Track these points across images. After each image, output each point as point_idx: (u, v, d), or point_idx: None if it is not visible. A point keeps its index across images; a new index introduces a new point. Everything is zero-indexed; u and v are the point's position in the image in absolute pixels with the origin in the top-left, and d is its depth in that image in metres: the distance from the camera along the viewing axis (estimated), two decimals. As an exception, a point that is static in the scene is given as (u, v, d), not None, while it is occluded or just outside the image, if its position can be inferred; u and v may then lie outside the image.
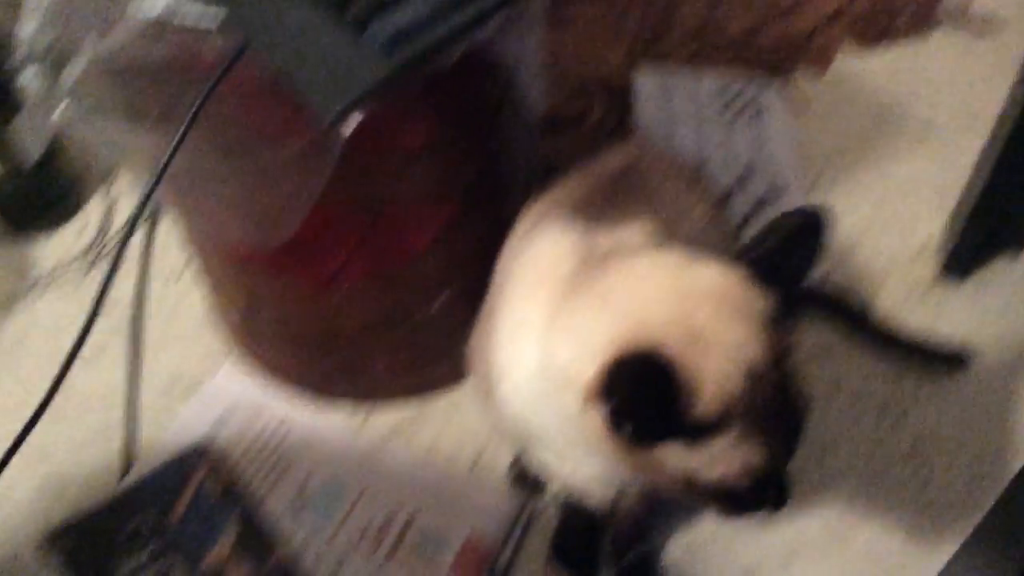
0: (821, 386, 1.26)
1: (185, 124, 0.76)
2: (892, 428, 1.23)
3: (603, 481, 0.88)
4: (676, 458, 0.70)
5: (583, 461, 0.85)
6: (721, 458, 0.70)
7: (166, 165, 0.75)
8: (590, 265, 0.78)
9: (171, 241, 1.25)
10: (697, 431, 0.69)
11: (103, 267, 1.40)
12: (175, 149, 0.76)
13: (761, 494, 0.73)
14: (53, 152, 1.40)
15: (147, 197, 0.78)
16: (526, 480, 1.19)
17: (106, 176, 1.52)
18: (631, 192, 0.89)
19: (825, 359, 1.28)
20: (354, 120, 0.82)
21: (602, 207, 0.86)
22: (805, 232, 0.74)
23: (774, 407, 0.71)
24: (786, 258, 0.74)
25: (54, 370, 1.29)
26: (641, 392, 0.68)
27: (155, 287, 1.39)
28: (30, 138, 1.35)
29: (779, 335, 0.72)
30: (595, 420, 0.71)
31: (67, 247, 1.45)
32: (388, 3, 0.73)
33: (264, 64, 0.74)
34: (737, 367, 0.69)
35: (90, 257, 1.43)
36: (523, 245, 0.87)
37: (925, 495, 1.17)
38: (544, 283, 0.80)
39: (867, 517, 1.16)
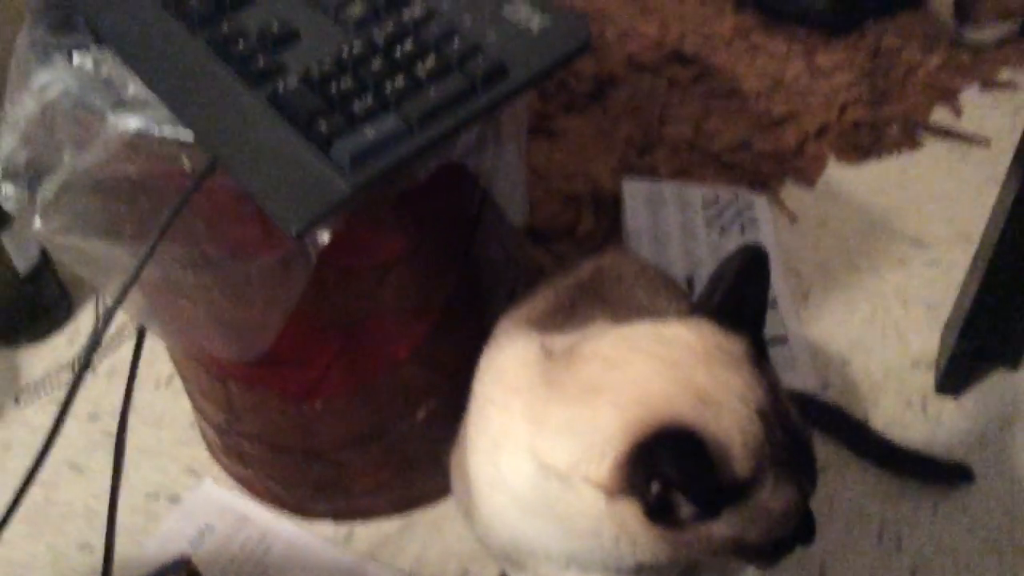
0: (817, 504, 1.22)
1: (154, 239, 0.77)
2: (891, 550, 1.19)
3: None
4: (724, 526, 0.68)
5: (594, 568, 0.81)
6: (764, 509, 0.68)
7: (134, 278, 0.76)
8: (556, 364, 0.76)
9: (162, 346, 1.25)
10: (740, 491, 0.68)
11: (93, 377, 1.41)
12: (143, 263, 0.76)
13: (797, 531, 0.74)
14: (44, 262, 1.41)
15: (112, 311, 0.78)
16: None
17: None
18: (594, 299, 0.89)
19: (821, 476, 1.25)
20: (326, 234, 0.83)
21: (564, 315, 0.86)
22: (751, 266, 0.74)
23: (789, 442, 0.70)
24: (743, 296, 0.74)
25: (38, 478, 1.28)
26: (687, 468, 0.66)
27: (144, 394, 1.39)
28: (17, 250, 1.36)
29: (766, 369, 0.72)
30: (627, 514, 0.68)
31: (57, 356, 1.45)
32: (353, 122, 0.74)
33: (232, 181, 0.75)
34: (750, 415, 0.68)
35: (79, 367, 1.42)
36: (487, 361, 0.86)
37: (926, 620, 1.13)
38: (516, 393, 0.78)
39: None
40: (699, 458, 0.66)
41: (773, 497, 0.70)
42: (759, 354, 0.74)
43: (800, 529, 0.74)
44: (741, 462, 0.68)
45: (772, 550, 0.74)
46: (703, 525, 0.69)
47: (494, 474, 0.81)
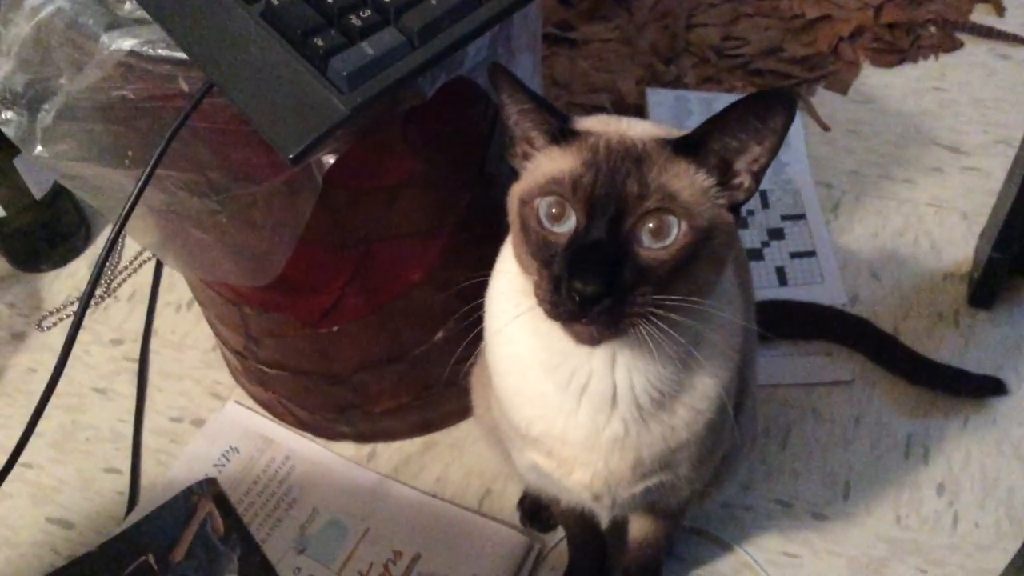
0: (843, 420, 1.21)
1: (152, 160, 0.75)
2: (918, 464, 1.17)
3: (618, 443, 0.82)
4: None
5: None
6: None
7: (134, 199, 0.74)
8: None
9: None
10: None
11: (115, 302, 1.41)
12: (144, 183, 0.75)
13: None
14: (60, 187, 1.40)
15: (116, 235, 0.76)
16: (535, 517, 1.16)
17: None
18: None
19: (847, 392, 1.24)
20: (331, 156, 0.80)
21: None
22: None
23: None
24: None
25: (64, 403, 1.30)
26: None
27: (165, 317, 1.39)
28: (32, 176, 1.35)
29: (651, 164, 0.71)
30: None
31: (78, 281, 1.45)
32: (351, 37, 0.70)
33: (228, 102, 0.73)
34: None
35: (100, 292, 1.42)
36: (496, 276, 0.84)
37: (955, 535, 1.12)
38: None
39: (895, 558, 1.11)
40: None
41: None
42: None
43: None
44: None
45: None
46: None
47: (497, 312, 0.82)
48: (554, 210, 0.68)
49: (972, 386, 1.23)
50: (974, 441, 1.19)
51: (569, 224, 0.68)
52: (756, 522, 1.14)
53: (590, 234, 0.66)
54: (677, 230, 0.66)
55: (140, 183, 0.74)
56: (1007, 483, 1.15)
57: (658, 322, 0.67)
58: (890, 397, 1.23)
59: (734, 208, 0.71)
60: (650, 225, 0.66)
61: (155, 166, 0.73)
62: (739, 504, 1.15)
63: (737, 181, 0.70)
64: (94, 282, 0.78)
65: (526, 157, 0.74)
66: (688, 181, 0.68)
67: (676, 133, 0.71)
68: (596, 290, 0.64)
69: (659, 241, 0.66)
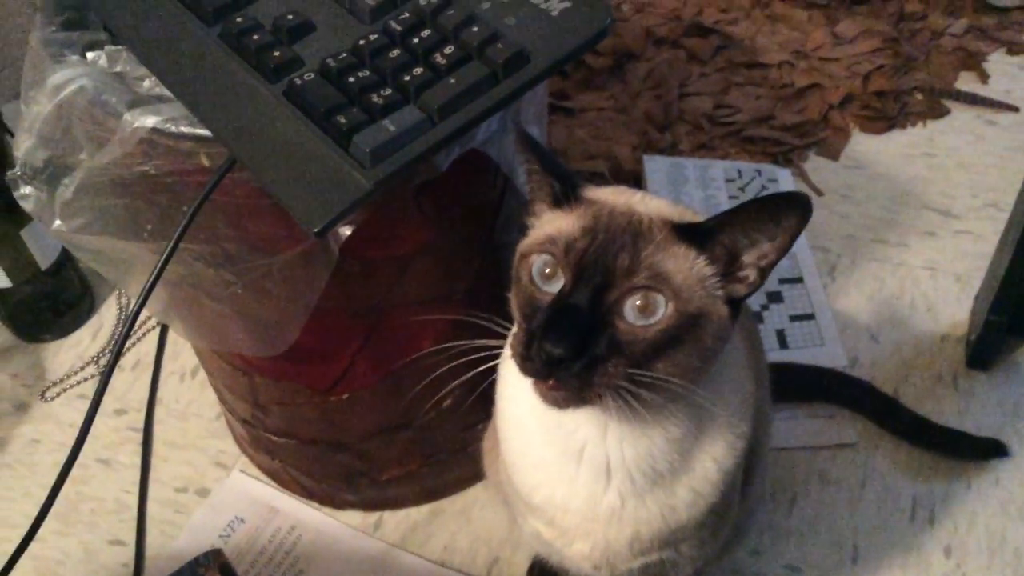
0: (848, 482, 1.22)
1: (176, 235, 0.76)
2: (924, 526, 1.18)
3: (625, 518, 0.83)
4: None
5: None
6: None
7: (155, 278, 0.75)
8: None
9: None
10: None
11: (118, 372, 1.41)
12: (165, 262, 0.76)
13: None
14: (66, 258, 1.41)
15: (134, 315, 0.77)
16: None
17: (120, 280, 1.53)
18: None
19: (851, 454, 1.24)
20: (348, 227, 0.82)
21: None
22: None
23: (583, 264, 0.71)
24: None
25: (70, 476, 1.29)
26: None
27: (169, 386, 1.39)
28: (39, 247, 1.36)
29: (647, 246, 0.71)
30: None
31: (81, 351, 1.45)
32: (373, 115, 0.72)
33: (251, 178, 0.74)
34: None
35: (103, 361, 1.43)
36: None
37: (961, 598, 1.12)
38: None
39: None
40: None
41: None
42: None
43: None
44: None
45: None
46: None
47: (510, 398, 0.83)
48: (546, 269, 0.70)
49: (974, 448, 1.23)
50: (979, 503, 1.19)
51: (557, 285, 0.69)
52: (766, 587, 1.14)
53: (573, 298, 0.67)
54: (662, 310, 0.67)
55: (164, 257, 0.76)
56: (1013, 544, 1.15)
57: (628, 397, 0.67)
58: (894, 459, 1.24)
59: (733, 301, 0.71)
60: (637, 301, 0.67)
61: (179, 240, 0.75)
62: (748, 570, 1.15)
63: (743, 274, 0.71)
64: (116, 355, 0.78)
65: (535, 215, 0.76)
66: (686, 265, 0.69)
67: (688, 216, 0.72)
68: (563, 353, 0.65)
69: (642, 318, 0.67)
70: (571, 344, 0.65)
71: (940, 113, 1.67)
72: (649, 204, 0.73)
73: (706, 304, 0.69)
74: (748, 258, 0.70)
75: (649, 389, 0.67)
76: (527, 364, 0.67)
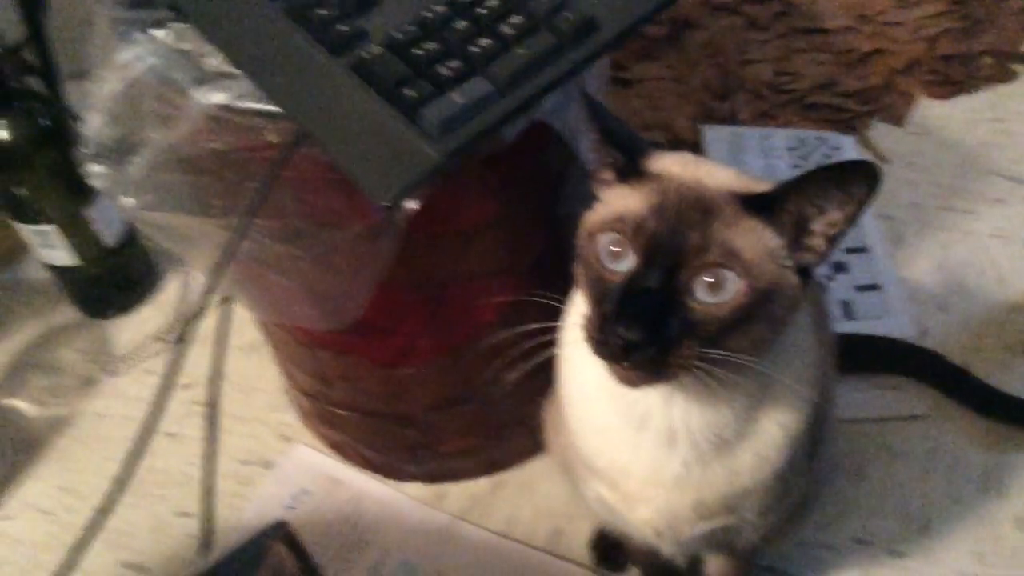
0: (918, 455, 1.20)
1: (248, 212, 0.76)
2: (995, 497, 1.16)
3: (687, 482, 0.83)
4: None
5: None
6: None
7: (229, 258, 0.75)
8: None
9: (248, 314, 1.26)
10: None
11: (182, 345, 1.43)
12: (241, 237, 0.76)
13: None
14: (130, 235, 1.43)
15: (210, 292, 0.77)
16: (608, 557, 1.15)
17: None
18: None
19: (919, 426, 1.22)
20: (415, 202, 0.82)
21: None
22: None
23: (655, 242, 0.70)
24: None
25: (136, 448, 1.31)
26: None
27: (233, 360, 1.40)
28: (104, 224, 1.38)
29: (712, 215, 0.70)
30: None
31: (145, 327, 1.48)
32: (440, 87, 0.72)
33: (321, 152, 0.74)
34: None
35: (169, 337, 1.45)
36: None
37: (1036, 569, 1.10)
38: None
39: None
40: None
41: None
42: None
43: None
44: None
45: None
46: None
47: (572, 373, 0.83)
48: (614, 248, 0.68)
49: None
50: (1051, 474, 1.17)
51: (627, 264, 0.68)
52: (834, 561, 1.12)
53: (645, 280, 0.66)
54: (734, 287, 0.66)
55: (235, 233, 0.76)
56: (1088, 517, 1.13)
57: (703, 375, 0.67)
58: (964, 431, 1.22)
59: (803, 271, 0.70)
60: (707, 279, 0.66)
61: (252, 216, 0.75)
62: (816, 542, 1.13)
63: (811, 242, 0.69)
64: (184, 327, 0.79)
65: (606, 184, 0.75)
66: (755, 239, 0.67)
67: (755, 185, 0.71)
68: (639, 338, 0.64)
69: (714, 296, 0.66)
70: (647, 329, 0.64)
71: (1008, 77, 1.62)
72: (716, 175, 0.72)
73: (777, 277, 0.68)
74: (816, 226, 0.69)
75: (721, 366, 0.67)
76: (602, 348, 0.67)
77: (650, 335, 0.64)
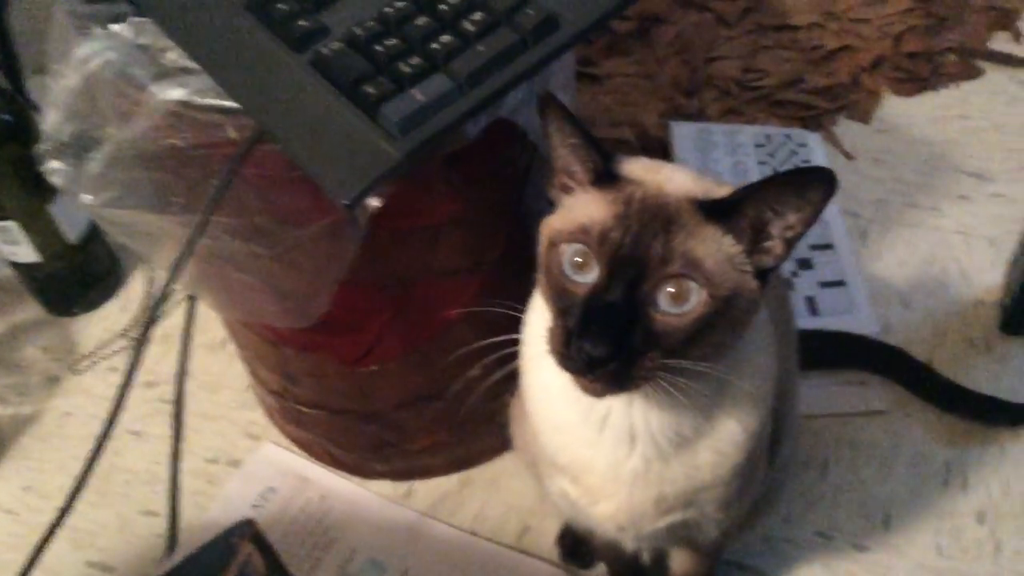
0: (881, 449, 1.21)
1: (206, 208, 0.76)
2: (957, 492, 1.17)
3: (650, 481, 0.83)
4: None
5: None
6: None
7: (186, 253, 0.75)
8: None
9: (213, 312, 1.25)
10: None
11: (147, 344, 1.42)
12: (200, 234, 0.75)
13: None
14: (93, 231, 1.42)
15: (167, 288, 0.77)
16: (575, 553, 1.15)
17: (148, 253, 1.54)
18: None
19: (882, 421, 1.23)
20: (377, 200, 0.81)
21: None
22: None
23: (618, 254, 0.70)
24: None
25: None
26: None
27: (199, 358, 1.39)
28: (67, 221, 1.36)
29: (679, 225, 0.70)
30: None
31: (110, 324, 1.46)
32: (401, 84, 0.71)
33: (280, 149, 0.74)
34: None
35: (132, 334, 1.43)
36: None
37: (997, 564, 1.11)
38: None
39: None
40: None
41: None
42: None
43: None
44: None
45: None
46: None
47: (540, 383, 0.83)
48: (578, 259, 0.69)
49: (1008, 414, 1.22)
50: (1012, 468, 1.18)
51: (590, 276, 0.68)
52: (798, 555, 1.13)
53: (609, 293, 0.66)
54: (696, 298, 0.66)
55: (194, 230, 0.75)
56: (1048, 511, 1.15)
57: (665, 384, 0.67)
58: (926, 426, 1.23)
59: (761, 273, 0.70)
60: (669, 289, 0.66)
61: (209, 212, 0.74)
62: (780, 537, 1.14)
63: (768, 244, 0.70)
64: (146, 327, 0.79)
65: (565, 190, 0.74)
66: (715, 247, 0.68)
67: (714, 189, 0.71)
68: (603, 353, 0.65)
69: (677, 306, 0.66)
70: (610, 344, 0.65)
71: (973, 74, 1.64)
72: (676, 181, 0.72)
73: (737, 283, 0.68)
74: (774, 230, 0.69)
75: (683, 374, 0.67)
76: (567, 362, 0.67)
77: (613, 350, 0.65)
